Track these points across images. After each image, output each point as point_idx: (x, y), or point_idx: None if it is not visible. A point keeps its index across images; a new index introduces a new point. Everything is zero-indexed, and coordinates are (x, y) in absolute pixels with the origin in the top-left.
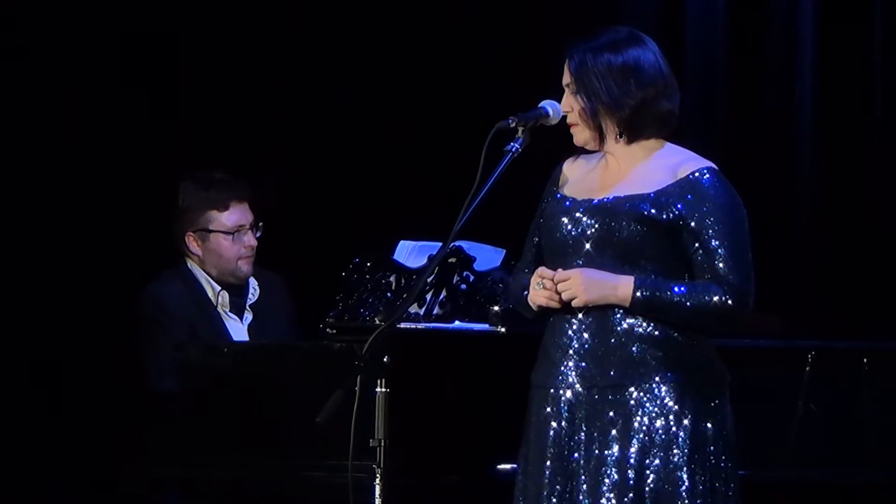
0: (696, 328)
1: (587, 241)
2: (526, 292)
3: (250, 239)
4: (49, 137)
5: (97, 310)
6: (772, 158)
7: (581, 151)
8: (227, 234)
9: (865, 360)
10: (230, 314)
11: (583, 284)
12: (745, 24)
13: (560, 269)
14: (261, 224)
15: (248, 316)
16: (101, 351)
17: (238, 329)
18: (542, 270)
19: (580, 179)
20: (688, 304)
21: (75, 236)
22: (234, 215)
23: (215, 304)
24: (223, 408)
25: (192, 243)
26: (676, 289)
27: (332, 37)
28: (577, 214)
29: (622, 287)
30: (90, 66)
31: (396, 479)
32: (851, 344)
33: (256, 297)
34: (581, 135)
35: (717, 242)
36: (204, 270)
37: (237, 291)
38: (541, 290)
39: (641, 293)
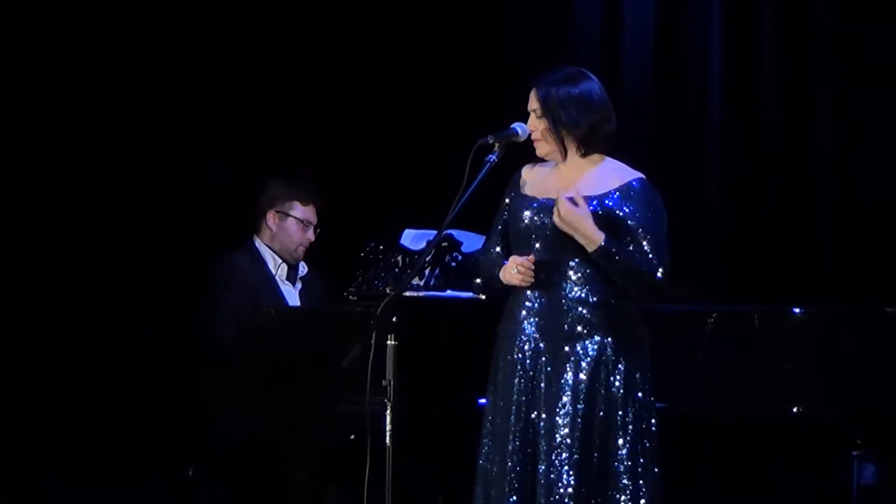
0: (624, 288)
1: (547, 230)
2: (497, 270)
3: (311, 234)
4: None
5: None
6: (688, 161)
7: (536, 160)
8: (300, 222)
9: (756, 318)
10: (285, 282)
11: (569, 217)
12: (667, 57)
13: (532, 254)
14: (318, 229)
15: (299, 285)
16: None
17: (291, 293)
18: (518, 259)
19: (538, 182)
20: (630, 265)
21: (163, 220)
22: (308, 211)
23: (275, 273)
24: (271, 356)
25: (272, 219)
26: (631, 255)
27: (352, 56)
28: (538, 210)
29: (594, 237)
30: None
31: (402, 410)
32: (746, 307)
33: (305, 273)
34: (543, 149)
35: (643, 233)
36: (268, 246)
37: (291, 267)
38: (515, 273)
39: (608, 246)
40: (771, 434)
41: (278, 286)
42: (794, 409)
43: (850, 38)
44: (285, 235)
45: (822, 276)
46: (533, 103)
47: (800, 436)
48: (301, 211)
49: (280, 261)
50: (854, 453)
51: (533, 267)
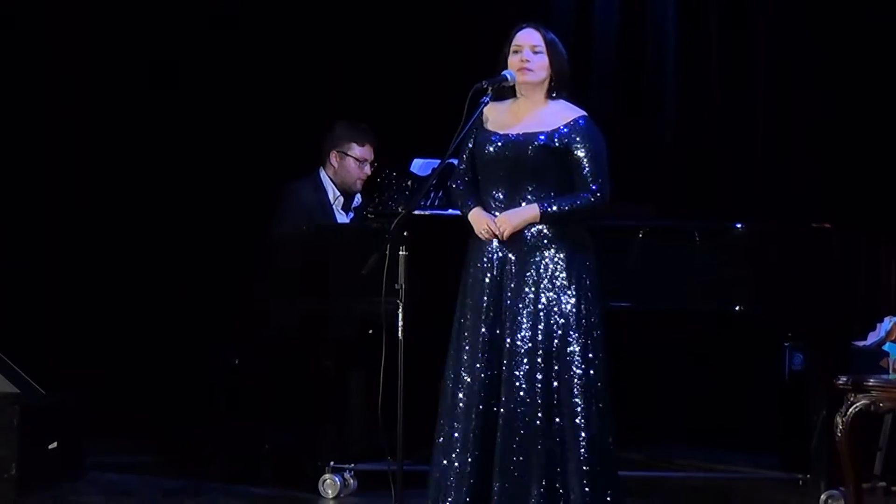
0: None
1: (507, 161)
2: (465, 210)
3: (367, 169)
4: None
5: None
6: (649, 113)
7: (496, 100)
8: (357, 160)
9: (697, 234)
10: (340, 210)
11: (510, 223)
12: (631, 39)
13: (494, 197)
14: (375, 163)
15: (352, 213)
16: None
17: (343, 220)
18: (488, 222)
19: (498, 119)
20: (572, 208)
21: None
22: (365, 151)
23: (333, 202)
24: (306, 263)
25: (334, 158)
26: (565, 203)
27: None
28: (500, 143)
29: (532, 213)
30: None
31: (412, 309)
32: (689, 224)
33: (359, 204)
34: (533, 77)
35: (586, 164)
36: (331, 179)
37: (348, 198)
38: (485, 233)
39: (545, 211)
40: (718, 328)
41: (334, 213)
42: (737, 308)
43: (783, 31)
44: (345, 172)
45: (758, 199)
46: (533, 39)
47: (742, 330)
48: (358, 151)
49: (339, 193)
50: (786, 345)
51: (499, 234)
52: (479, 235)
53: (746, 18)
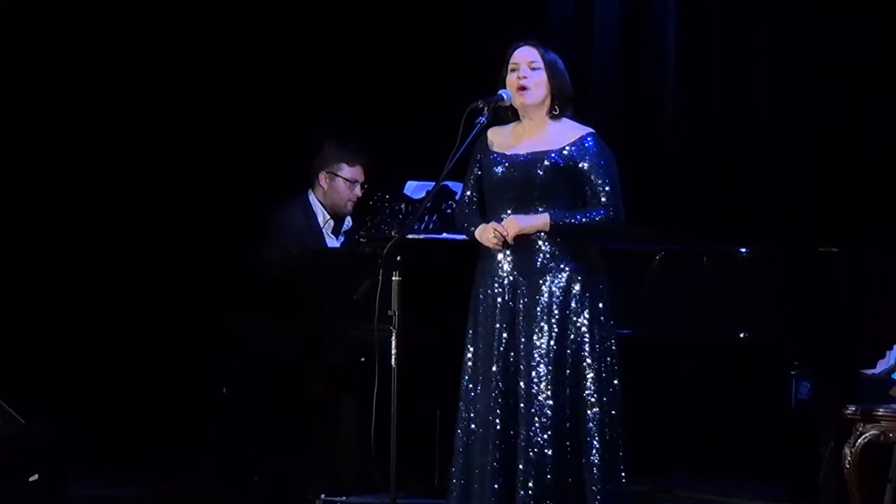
0: (589, 238)
1: (517, 182)
2: (472, 228)
3: (358, 191)
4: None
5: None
6: (648, 127)
7: (498, 124)
8: (347, 181)
9: (705, 258)
10: (330, 234)
11: (517, 223)
12: (631, 47)
13: (501, 218)
14: (366, 185)
15: (342, 237)
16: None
17: (333, 244)
18: (494, 226)
19: (503, 142)
20: (585, 222)
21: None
22: (355, 171)
23: (322, 226)
24: (296, 288)
25: (323, 179)
26: (578, 216)
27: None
28: (507, 164)
29: (542, 220)
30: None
31: (406, 336)
32: (692, 248)
33: (349, 227)
34: (531, 97)
35: (598, 181)
36: (320, 202)
37: (338, 221)
38: (492, 238)
39: (557, 221)
40: (721, 356)
41: (323, 237)
42: (741, 335)
43: (782, 32)
44: (335, 193)
45: (757, 199)
46: (531, 56)
47: (747, 358)
48: (348, 171)
49: (328, 216)
50: (792, 373)
51: (506, 234)
52: (487, 244)
53: (748, 20)
